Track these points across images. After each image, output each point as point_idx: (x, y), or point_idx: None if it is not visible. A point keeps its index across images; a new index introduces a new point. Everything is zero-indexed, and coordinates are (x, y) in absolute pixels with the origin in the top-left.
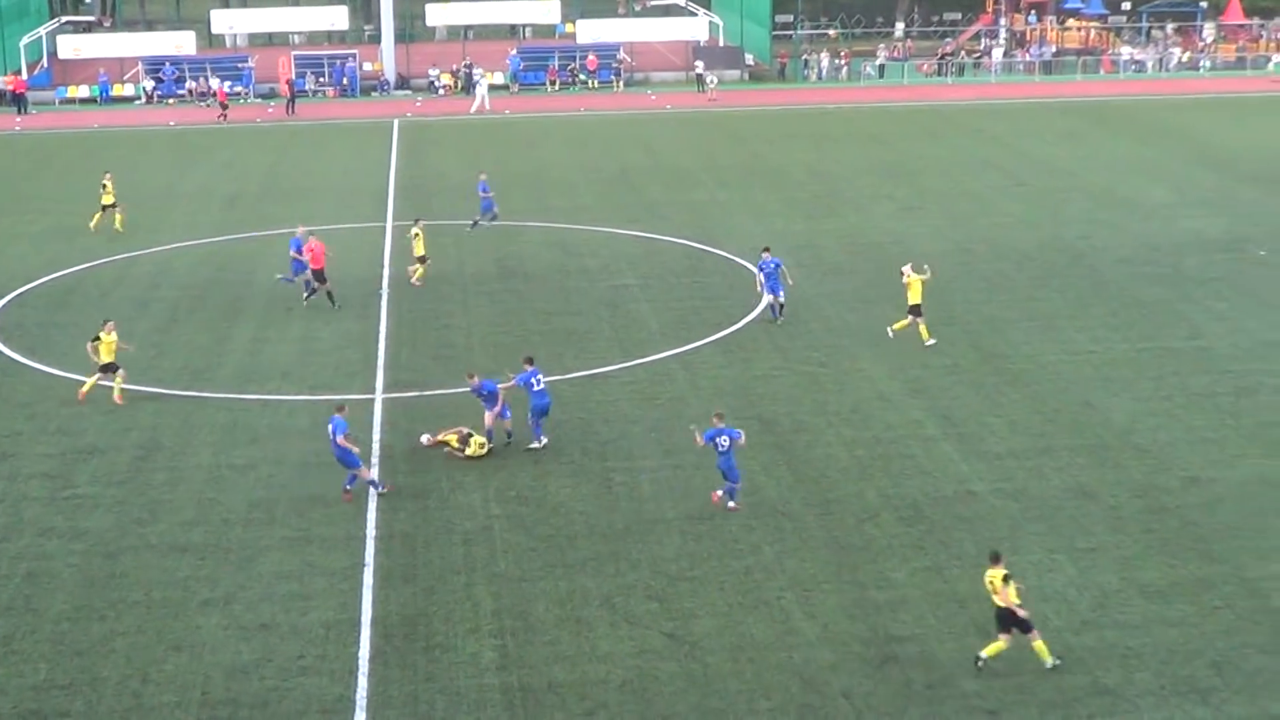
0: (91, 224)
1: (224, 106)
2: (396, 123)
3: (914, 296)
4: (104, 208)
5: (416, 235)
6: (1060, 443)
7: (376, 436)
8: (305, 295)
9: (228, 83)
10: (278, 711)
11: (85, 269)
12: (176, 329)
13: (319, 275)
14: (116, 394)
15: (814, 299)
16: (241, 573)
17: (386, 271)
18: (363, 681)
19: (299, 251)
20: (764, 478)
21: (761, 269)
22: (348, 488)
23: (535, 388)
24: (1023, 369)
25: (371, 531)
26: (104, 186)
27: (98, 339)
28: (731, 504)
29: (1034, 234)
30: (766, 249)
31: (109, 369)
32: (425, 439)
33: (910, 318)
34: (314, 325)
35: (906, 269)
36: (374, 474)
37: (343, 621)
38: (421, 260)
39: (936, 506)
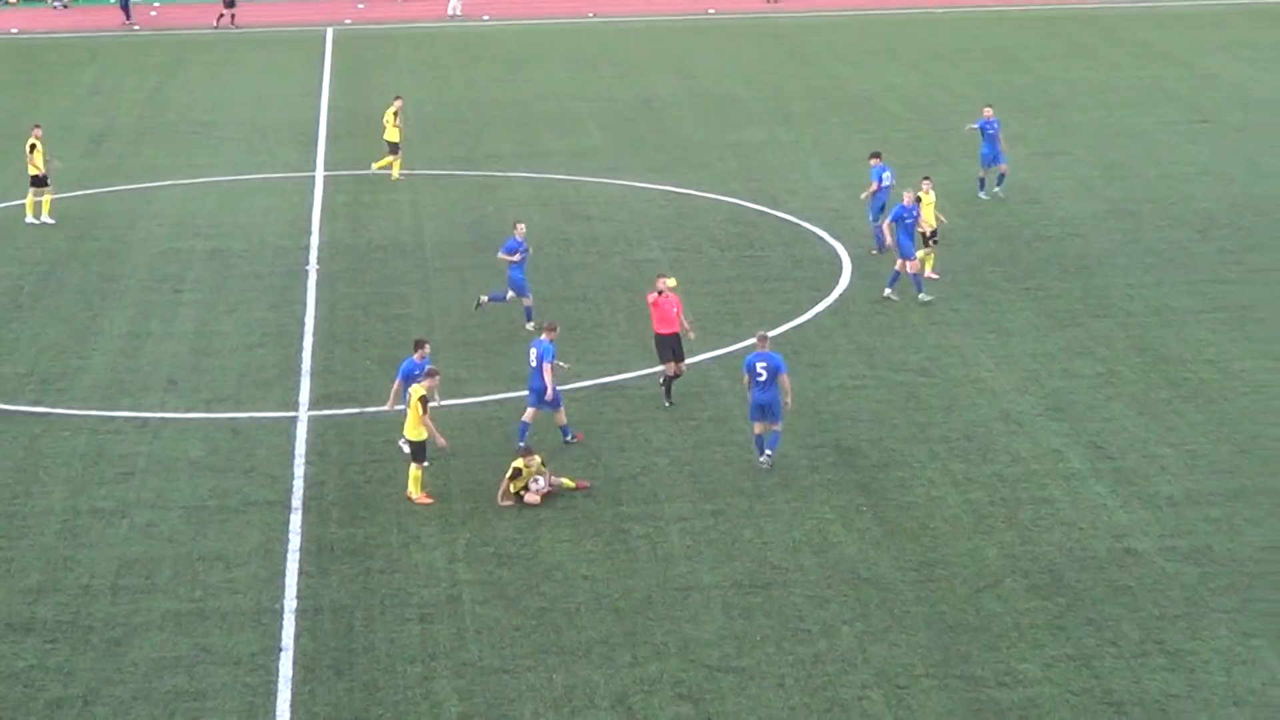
0: None
1: (230, 4)
2: (330, 31)
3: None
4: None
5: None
6: (1258, 483)
7: (299, 469)
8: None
9: None
10: None
11: None
12: (19, 319)
13: (670, 346)
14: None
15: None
16: (108, 662)
17: (315, 239)
18: None
19: None
20: (841, 529)
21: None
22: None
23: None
24: (1206, 379)
25: (291, 603)
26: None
27: None
28: None
29: (1223, 190)
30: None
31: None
32: (540, 486)
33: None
34: (213, 315)
35: None
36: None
37: None
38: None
39: (1083, 571)
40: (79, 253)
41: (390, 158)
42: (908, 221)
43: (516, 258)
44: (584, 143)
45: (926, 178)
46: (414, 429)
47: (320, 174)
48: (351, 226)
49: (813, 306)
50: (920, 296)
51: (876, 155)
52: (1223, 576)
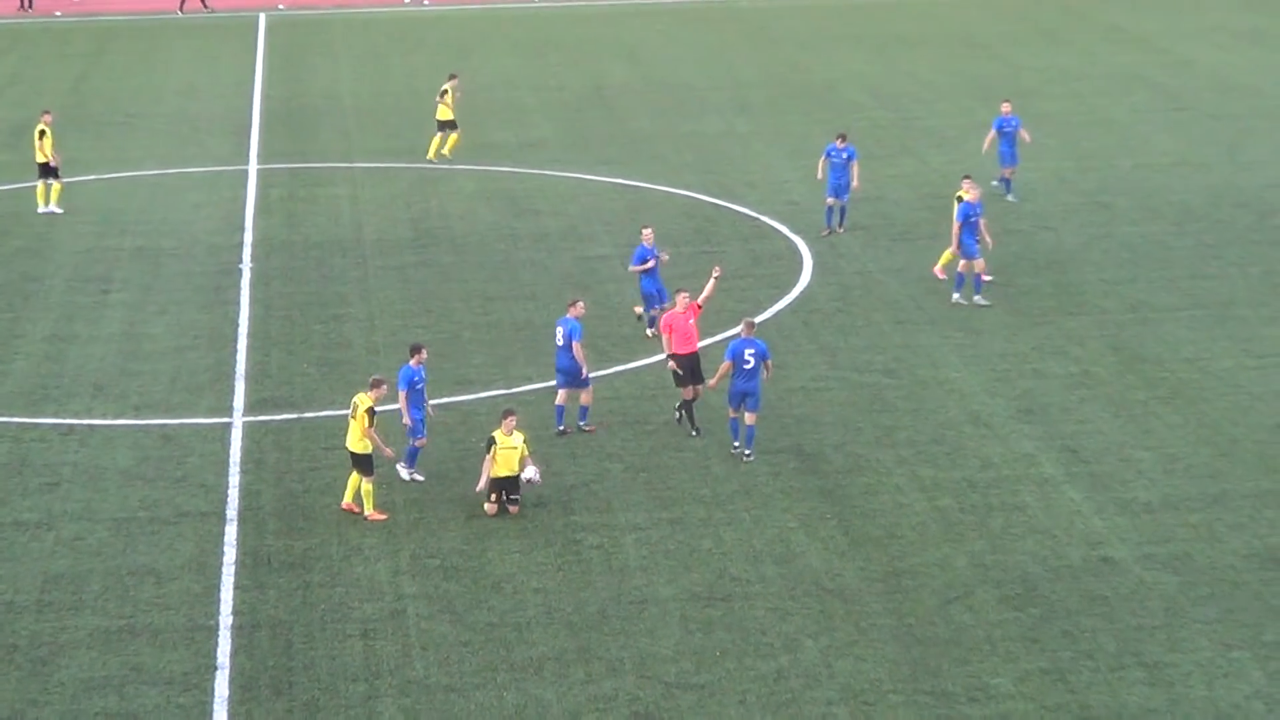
0: None
1: None
2: (263, 18)
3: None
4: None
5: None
6: (1240, 487)
7: (234, 478)
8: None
9: None
10: None
11: None
12: None
13: (689, 368)
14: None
15: (877, 276)
16: (33, 682)
17: (249, 236)
18: None
19: None
20: (804, 538)
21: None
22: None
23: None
24: (1185, 379)
25: (226, 619)
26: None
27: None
28: None
29: (1201, 181)
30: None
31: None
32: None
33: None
34: (143, 316)
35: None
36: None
37: None
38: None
39: (1057, 581)
40: None
41: (439, 135)
42: (972, 220)
43: (648, 265)
44: (531, 134)
45: (967, 176)
46: (358, 441)
47: (254, 167)
48: (287, 222)
49: (772, 305)
50: (976, 298)
51: (843, 136)
52: (1203, 585)
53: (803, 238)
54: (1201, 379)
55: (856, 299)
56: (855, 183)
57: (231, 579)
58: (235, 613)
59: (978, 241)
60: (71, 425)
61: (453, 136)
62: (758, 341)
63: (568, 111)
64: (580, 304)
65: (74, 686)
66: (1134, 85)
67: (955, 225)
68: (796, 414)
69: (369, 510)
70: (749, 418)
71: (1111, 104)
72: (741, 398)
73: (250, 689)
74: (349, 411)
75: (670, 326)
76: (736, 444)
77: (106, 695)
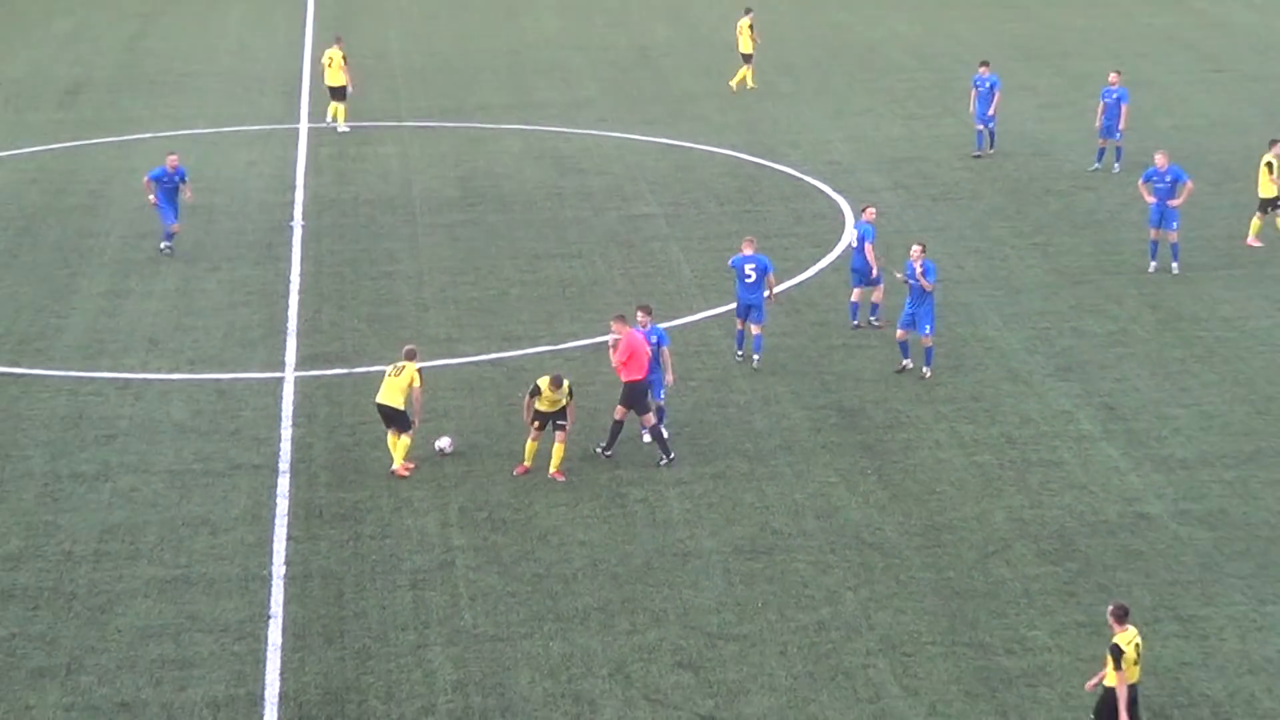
0: None
1: None
2: None
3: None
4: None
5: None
6: (1275, 445)
7: (286, 431)
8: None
9: None
10: None
11: None
12: None
13: (635, 395)
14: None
15: (918, 235)
16: (91, 629)
17: (300, 194)
18: None
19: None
20: (846, 493)
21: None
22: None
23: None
24: (1221, 338)
25: (279, 569)
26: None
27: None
28: None
29: (1238, 142)
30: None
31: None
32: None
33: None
34: (195, 273)
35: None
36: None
37: (238, 699)
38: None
39: (1094, 536)
40: (56, 208)
41: (745, 69)
42: None
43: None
44: (577, 93)
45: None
46: (397, 397)
47: (304, 126)
48: (337, 180)
49: (814, 264)
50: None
51: (985, 64)
52: (1237, 541)
53: (845, 197)
54: (1238, 338)
55: (897, 258)
56: (991, 109)
57: (284, 530)
58: (288, 563)
59: None
60: (127, 380)
61: (747, 71)
62: (759, 257)
63: (613, 71)
64: (872, 210)
65: (131, 634)
66: (1172, 47)
67: None
68: (838, 370)
69: (399, 463)
70: (754, 329)
71: (1150, 65)
72: (746, 310)
73: (302, 637)
74: (390, 371)
75: (628, 351)
76: (740, 353)
77: (163, 642)
